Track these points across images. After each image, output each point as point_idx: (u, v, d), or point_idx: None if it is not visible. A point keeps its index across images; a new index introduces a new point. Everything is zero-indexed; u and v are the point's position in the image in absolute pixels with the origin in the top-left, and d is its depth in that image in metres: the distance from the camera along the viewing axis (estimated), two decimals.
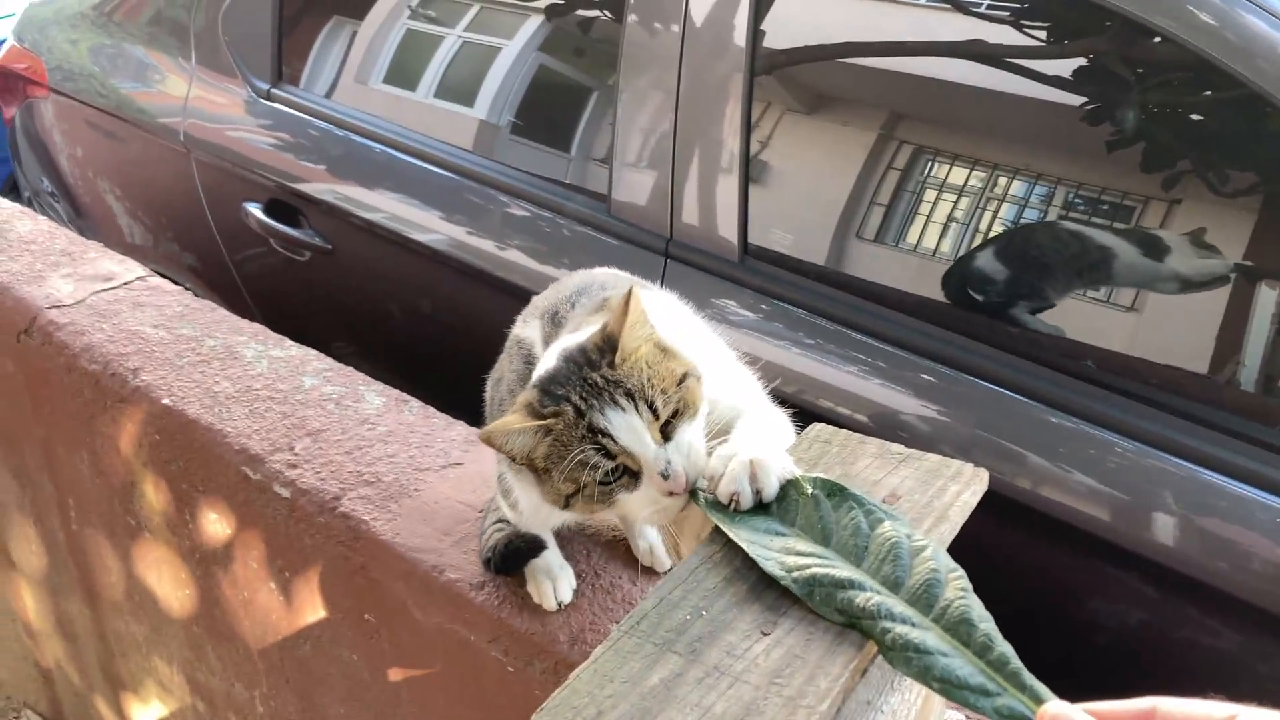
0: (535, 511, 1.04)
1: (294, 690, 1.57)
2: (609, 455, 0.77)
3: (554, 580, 1.19)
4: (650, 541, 1.21)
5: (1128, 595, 1.53)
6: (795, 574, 0.63)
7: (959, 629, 0.60)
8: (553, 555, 1.22)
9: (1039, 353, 1.54)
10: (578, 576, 1.21)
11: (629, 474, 0.78)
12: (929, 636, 0.60)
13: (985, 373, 1.57)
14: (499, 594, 1.20)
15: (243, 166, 2.46)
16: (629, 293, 0.81)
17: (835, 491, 0.69)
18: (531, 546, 1.16)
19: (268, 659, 1.59)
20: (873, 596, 0.62)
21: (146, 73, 2.72)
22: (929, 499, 0.72)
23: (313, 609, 1.44)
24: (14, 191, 3.47)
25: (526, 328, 1.15)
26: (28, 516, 2.01)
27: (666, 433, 0.79)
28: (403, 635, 1.32)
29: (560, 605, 1.17)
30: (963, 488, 0.73)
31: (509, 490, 1.08)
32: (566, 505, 0.82)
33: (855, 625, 0.61)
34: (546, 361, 0.87)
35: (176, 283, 1.84)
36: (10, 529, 2.09)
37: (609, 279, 1.13)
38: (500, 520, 1.26)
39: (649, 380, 0.78)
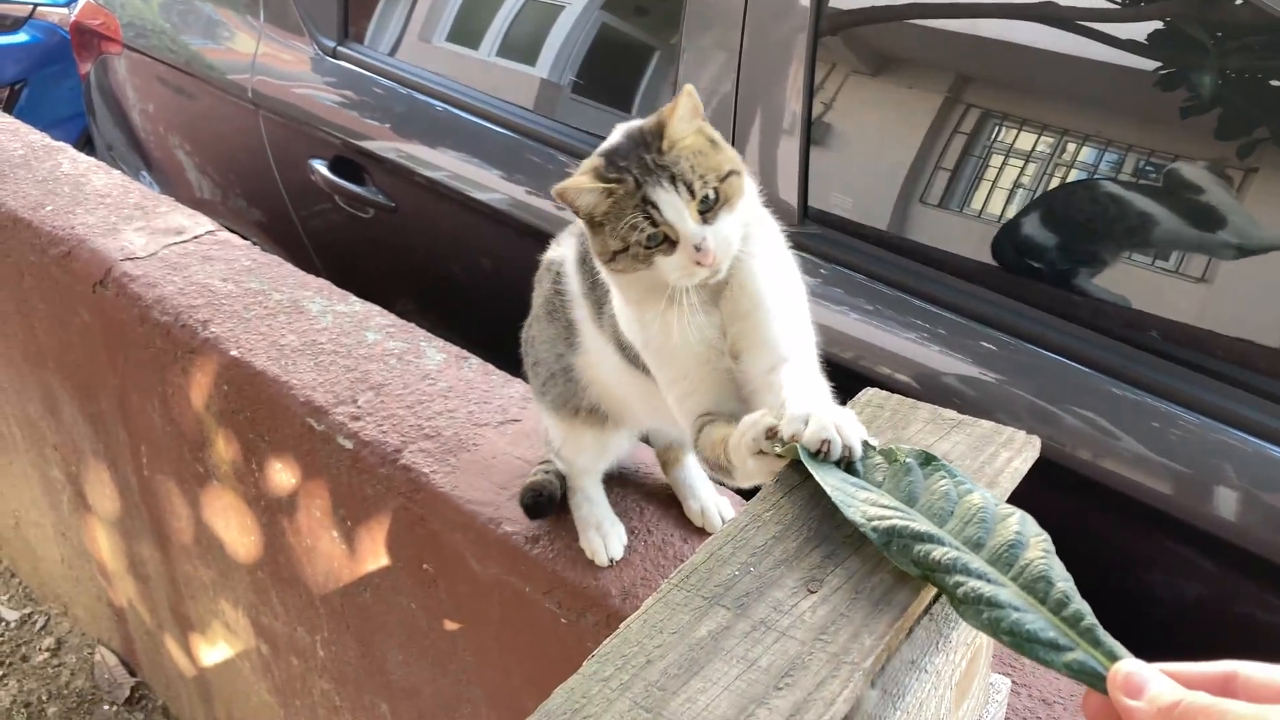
0: (565, 443, 1.19)
1: (354, 636, 1.62)
2: (654, 224, 0.90)
3: (604, 536, 1.21)
4: (702, 503, 1.23)
5: (1187, 569, 1.51)
6: (875, 523, 0.64)
7: (1036, 586, 0.61)
8: (604, 511, 1.24)
9: (1103, 322, 1.52)
10: (630, 533, 1.23)
11: (668, 242, 0.90)
12: (1003, 592, 0.61)
13: (1047, 341, 1.55)
14: (554, 547, 1.23)
15: (308, 124, 2.49)
16: (685, 89, 0.91)
17: (929, 461, 0.69)
18: (553, 496, 1.26)
19: (329, 605, 1.64)
20: (950, 551, 0.62)
21: (215, 29, 2.77)
22: (979, 464, 0.72)
23: (373, 558, 1.48)
24: (88, 145, 3.56)
25: (559, 248, 1.17)
26: (103, 462, 2.08)
27: (707, 217, 0.90)
28: (460, 585, 1.35)
29: (611, 561, 1.19)
30: (1014, 454, 0.73)
31: (550, 437, 1.20)
32: (611, 260, 0.94)
33: (929, 577, 0.62)
34: (612, 137, 0.97)
35: (244, 238, 1.88)
36: (86, 474, 2.17)
37: None
38: (544, 462, 1.29)
39: (692, 167, 0.90)
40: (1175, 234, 1.49)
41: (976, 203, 1.66)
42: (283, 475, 1.57)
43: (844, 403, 0.87)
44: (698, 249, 0.89)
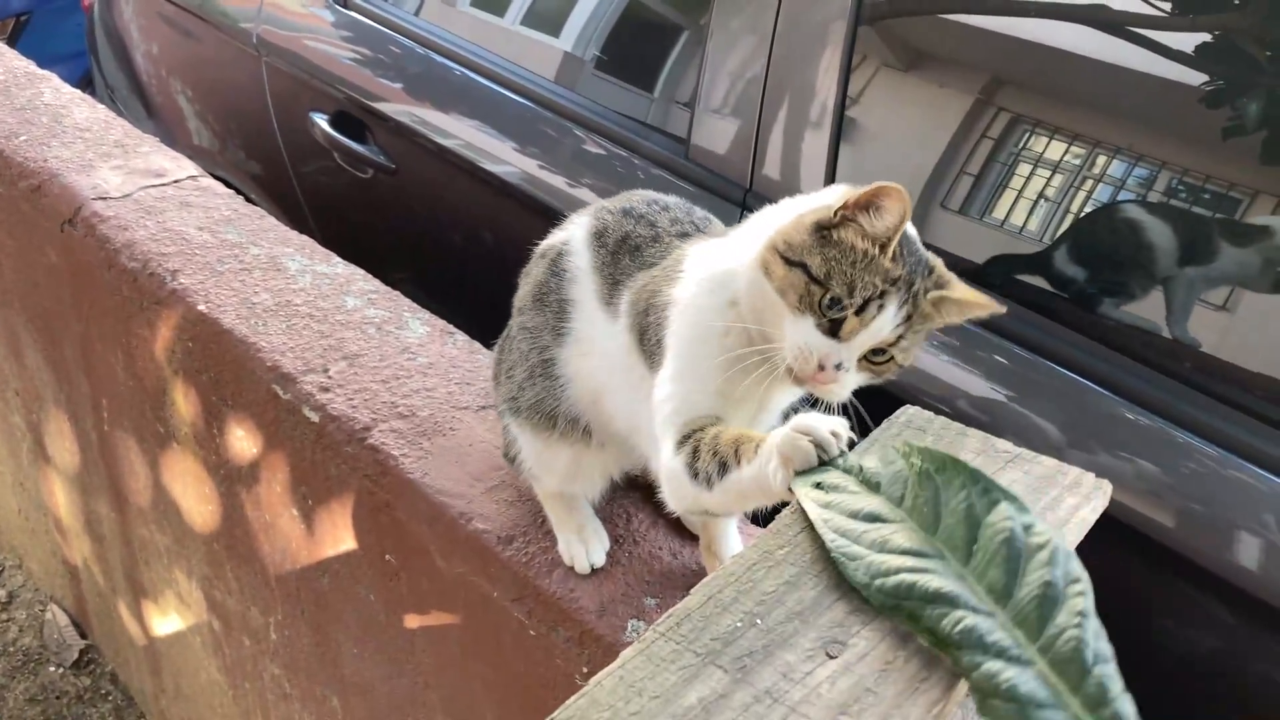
0: (537, 460, 1.07)
1: (308, 622, 1.50)
2: (854, 310, 0.80)
3: (585, 541, 1.09)
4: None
5: (1199, 617, 1.40)
6: (879, 581, 0.53)
7: (1068, 668, 0.49)
8: (585, 514, 1.12)
9: (1124, 344, 1.40)
10: (615, 540, 1.11)
11: (834, 325, 0.80)
12: (1027, 676, 0.49)
13: (1065, 360, 1.44)
14: (528, 550, 1.11)
15: (313, 75, 2.37)
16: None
17: (946, 466, 0.57)
18: None
19: (285, 586, 1.52)
20: (966, 617, 0.51)
21: None
22: (1041, 510, 0.60)
23: (333, 542, 1.36)
24: (89, 87, 3.43)
25: (563, 232, 1.07)
26: (63, 411, 1.96)
27: (868, 362, 0.82)
28: (423, 581, 1.24)
29: (592, 568, 1.08)
30: (1081, 501, 0.61)
31: (520, 456, 1.10)
32: (784, 265, 0.83)
33: (944, 652, 0.50)
34: (912, 228, 0.87)
35: (239, 190, 1.76)
36: (47, 423, 2.05)
37: (670, 200, 1.07)
38: None
39: (915, 331, 0.82)
40: (1202, 258, 1.38)
41: (999, 212, 1.54)
42: (244, 444, 1.45)
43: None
44: (823, 367, 0.79)
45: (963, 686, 0.50)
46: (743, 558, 0.56)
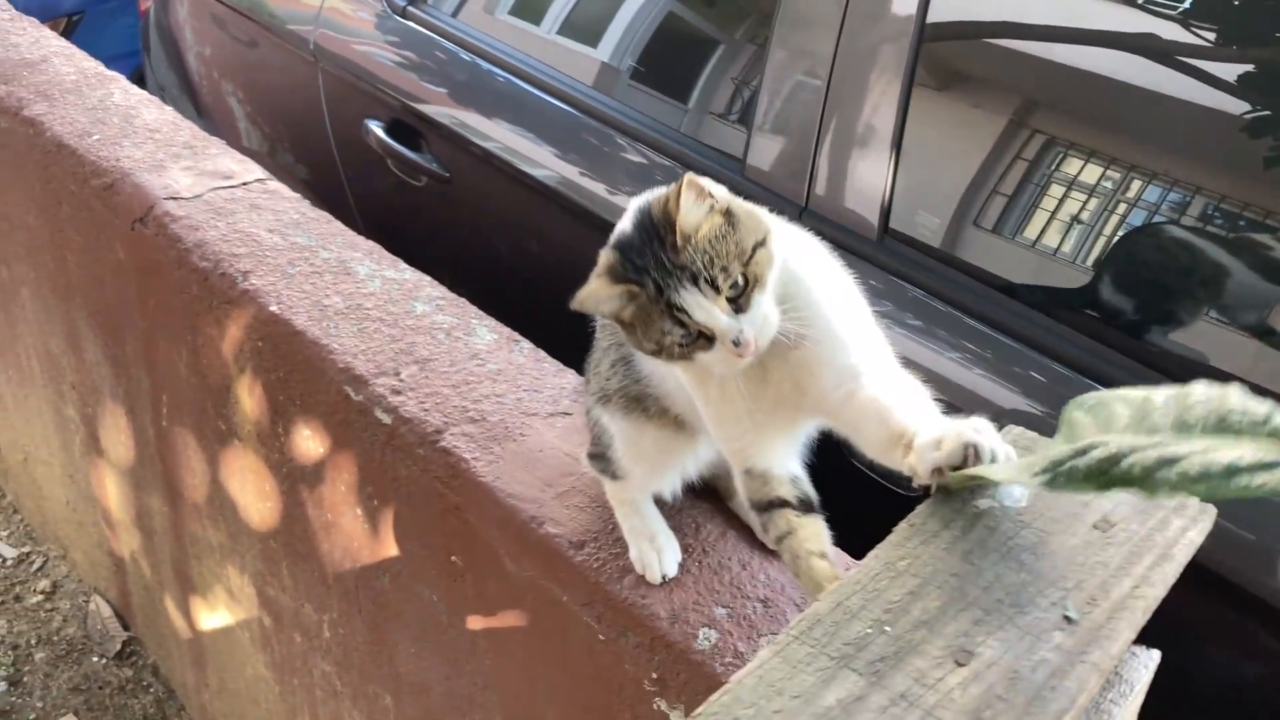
0: (626, 447, 1.09)
1: (365, 621, 1.53)
2: (684, 327, 0.85)
3: (659, 550, 1.11)
4: None
5: (1247, 645, 1.40)
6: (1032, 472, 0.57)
7: (1226, 422, 0.53)
8: (658, 523, 1.14)
9: (1166, 368, 1.42)
10: (685, 550, 1.13)
11: (704, 338, 0.85)
12: (1174, 447, 0.53)
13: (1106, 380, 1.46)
14: (600, 555, 1.13)
15: (369, 82, 2.40)
16: (680, 182, 0.84)
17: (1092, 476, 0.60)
18: None
19: (342, 585, 1.54)
20: (1112, 444, 0.55)
21: None
22: (1149, 531, 0.62)
23: (398, 542, 1.39)
24: (140, 83, 3.47)
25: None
26: (121, 406, 2.00)
27: (740, 304, 0.84)
28: (490, 584, 1.26)
29: (664, 578, 1.10)
30: (1188, 523, 0.63)
31: (609, 445, 1.11)
32: (652, 354, 0.89)
33: (1107, 482, 0.54)
34: (624, 221, 0.91)
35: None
36: (102, 416, 2.08)
37: None
38: None
39: (712, 260, 0.84)
40: (1243, 288, 1.40)
41: (1038, 232, 1.56)
42: (310, 443, 1.48)
43: None
44: (736, 343, 0.84)
45: (1086, 699, 0.52)
46: (866, 568, 0.58)
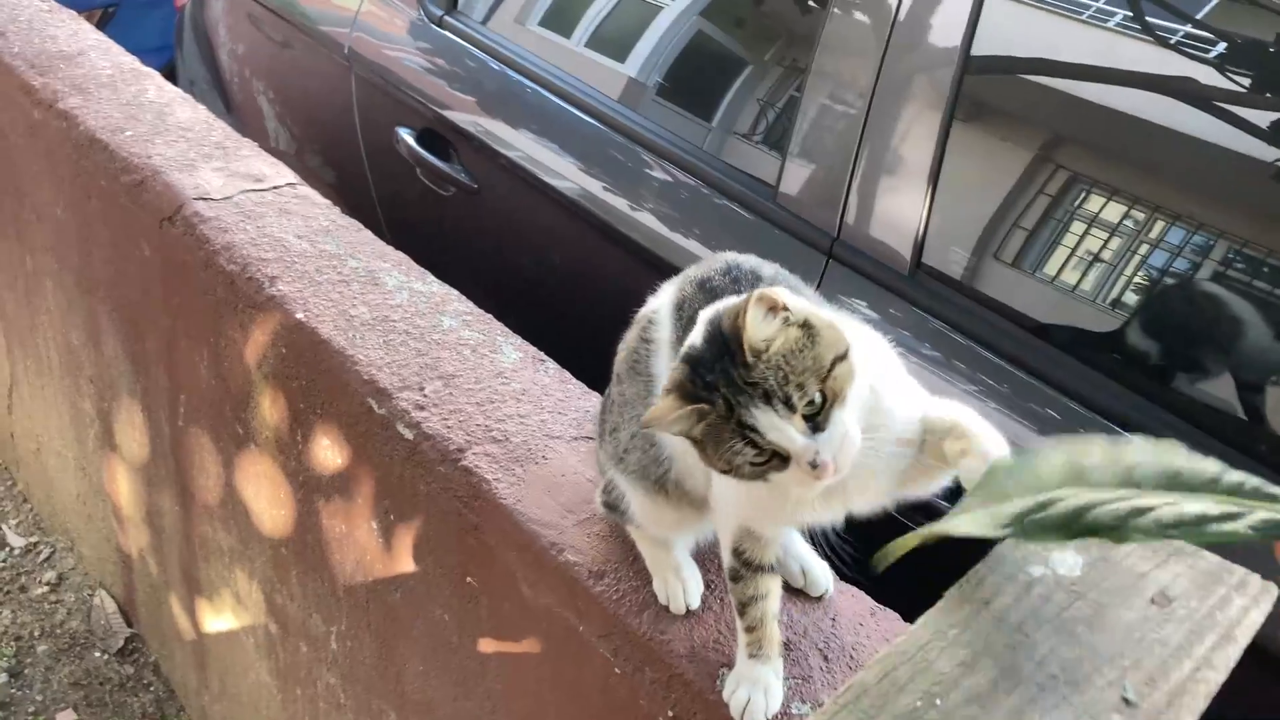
0: (645, 514, 1.07)
1: (374, 635, 1.51)
2: (757, 447, 0.80)
3: (683, 581, 1.09)
4: (803, 562, 1.10)
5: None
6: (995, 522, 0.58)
7: (1178, 481, 0.56)
8: (681, 555, 1.12)
9: (1199, 419, 1.40)
10: (706, 586, 1.11)
11: (779, 458, 0.80)
12: (1142, 499, 0.55)
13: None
14: (619, 587, 1.11)
15: (402, 89, 2.40)
16: (750, 294, 0.80)
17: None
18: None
19: (353, 597, 1.53)
20: (1074, 497, 0.56)
21: None
22: (1209, 609, 0.60)
23: (412, 558, 1.37)
24: (170, 79, 3.48)
25: (655, 299, 1.05)
26: (137, 403, 1.99)
27: (818, 422, 0.79)
28: (504, 607, 1.24)
29: (688, 609, 1.08)
30: (1250, 603, 0.61)
31: (616, 492, 1.10)
32: (725, 473, 0.84)
33: (1075, 532, 0.56)
34: (697, 334, 0.86)
35: None
36: (118, 412, 2.07)
37: (767, 266, 1.03)
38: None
39: (786, 377, 0.79)
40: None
41: (1074, 277, 1.54)
42: (329, 453, 1.46)
43: None
44: (814, 465, 0.79)
45: None
46: (914, 637, 0.56)
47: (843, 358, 0.81)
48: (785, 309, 0.80)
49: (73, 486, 2.44)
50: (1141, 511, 0.54)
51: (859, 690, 0.52)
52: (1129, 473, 0.57)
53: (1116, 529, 0.55)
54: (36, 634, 2.39)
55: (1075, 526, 0.56)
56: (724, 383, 0.80)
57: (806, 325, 0.81)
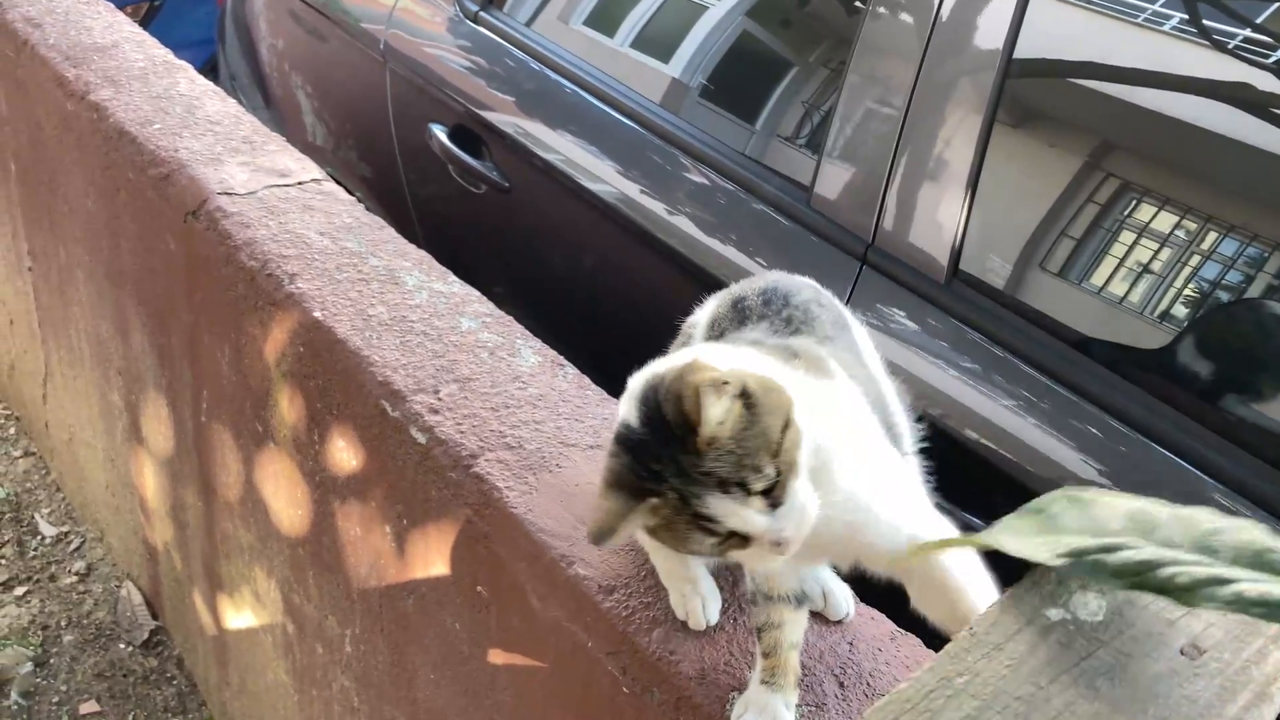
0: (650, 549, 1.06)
1: (387, 640, 1.49)
2: (715, 534, 0.77)
3: (701, 595, 1.05)
4: (825, 585, 1.06)
5: None
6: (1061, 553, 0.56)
7: (1258, 561, 0.53)
8: (698, 569, 1.08)
9: (1244, 439, 1.34)
10: (722, 604, 1.07)
11: (738, 536, 0.77)
12: (1222, 569, 0.52)
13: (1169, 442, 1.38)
14: (629, 604, 1.08)
15: (436, 86, 2.38)
16: (694, 377, 0.74)
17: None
18: None
19: (366, 601, 1.50)
20: (1145, 550, 0.53)
21: None
22: (1244, 663, 0.55)
23: (424, 565, 1.34)
24: (212, 73, 3.50)
25: (701, 309, 1.03)
26: (163, 396, 1.98)
27: (775, 498, 0.76)
28: (514, 619, 1.21)
29: (708, 625, 1.04)
30: None
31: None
32: (690, 554, 0.86)
33: (1139, 584, 0.53)
34: (630, 411, 0.80)
35: (347, 189, 1.76)
36: (145, 405, 2.07)
37: (805, 291, 0.99)
38: None
39: (740, 460, 0.75)
40: None
41: (1120, 288, 1.48)
42: (344, 455, 1.44)
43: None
44: (775, 542, 0.76)
45: None
46: (919, 683, 0.52)
47: (788, 424, 0.76)
48: (725, 383, 0.75)
49: (102, 477, 2.44)
50: (1222, 581, 0.52)
51: None
52: (1206, 538, 0.55)
53: (1189, 592, 0.52)
54: (64, 624, 2.40)
55: (1143, 579, 0.53)
56: (673, 473, 0.75)
57: (745, 394, 0.75)
